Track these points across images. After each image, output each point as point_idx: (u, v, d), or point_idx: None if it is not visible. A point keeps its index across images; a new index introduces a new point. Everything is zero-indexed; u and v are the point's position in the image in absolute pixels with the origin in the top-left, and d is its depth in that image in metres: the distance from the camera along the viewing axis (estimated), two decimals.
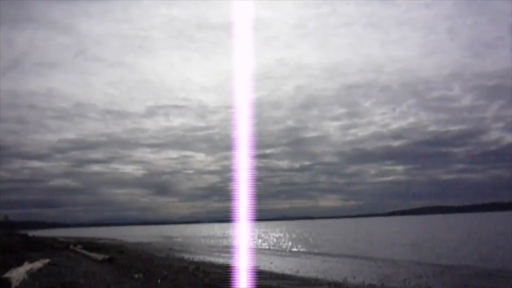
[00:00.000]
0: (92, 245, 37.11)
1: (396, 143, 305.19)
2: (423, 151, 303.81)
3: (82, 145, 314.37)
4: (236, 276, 15.54)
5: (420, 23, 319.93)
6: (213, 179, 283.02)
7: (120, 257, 25.13)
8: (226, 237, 70.27)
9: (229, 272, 18.17)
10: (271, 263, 25.52)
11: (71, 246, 32.24)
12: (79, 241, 44.34)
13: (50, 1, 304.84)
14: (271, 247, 41.29)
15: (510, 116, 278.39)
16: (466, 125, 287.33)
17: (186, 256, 31.32)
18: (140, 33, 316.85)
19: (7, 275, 11.29)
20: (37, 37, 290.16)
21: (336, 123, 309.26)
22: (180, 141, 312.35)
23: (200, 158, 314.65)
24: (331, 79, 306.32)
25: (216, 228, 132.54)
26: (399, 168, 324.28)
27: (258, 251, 36.69)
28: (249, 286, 13.00)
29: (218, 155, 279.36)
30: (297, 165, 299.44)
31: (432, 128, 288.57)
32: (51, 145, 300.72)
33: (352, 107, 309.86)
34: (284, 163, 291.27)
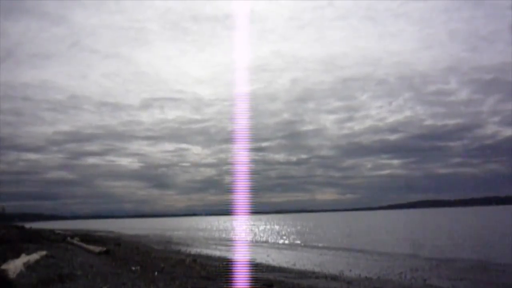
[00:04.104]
0: (89, 237, 37.13)
1: (392, 137, 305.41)
2: (419, 145, 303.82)
3: (78, 137, 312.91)
4: (233, 268, 15.61)
5: (417, 17, 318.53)
6: (210, 172, 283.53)
7: (117, 249, 25.17)
8: (223, 230, 70.47)
9: (226, 264, 18.27)
10: (267, 255, 25.61)
11: (68, 238, 32.25)
12: (76, 233, 44.36)
13: None
14: (268, 240, 41.42)
15: (507, 110, 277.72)
16: (463, 119, 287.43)
17: (183, 248, 31.41)
18: (135, 24, 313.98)
19: (4, 267, 11.29)
20: (31, 28, 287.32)
21: (332, 117, 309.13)
22: (176, 134, 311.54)
23: (196, 151, 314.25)
24: (327, 72, 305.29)
25: (213, 221, 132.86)
26: (396, 162, 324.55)
27: (255, 244, 36.80)
28: (246, 279, 13.05)
29: (214, 148, 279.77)
30: (293, 158, 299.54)
31: (429, 122, 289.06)
32: (46, 137, 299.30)
33: (349, 101, 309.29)
34: (280, 156, 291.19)
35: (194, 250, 29.72)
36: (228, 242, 40.59)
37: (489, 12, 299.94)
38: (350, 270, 18.39)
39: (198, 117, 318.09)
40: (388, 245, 30.66)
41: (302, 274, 17.25)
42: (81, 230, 62.17)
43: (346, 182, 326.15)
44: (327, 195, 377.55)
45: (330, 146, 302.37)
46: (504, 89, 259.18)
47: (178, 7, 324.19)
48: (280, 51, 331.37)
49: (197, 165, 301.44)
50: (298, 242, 38.01)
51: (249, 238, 46.14)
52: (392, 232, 46.52)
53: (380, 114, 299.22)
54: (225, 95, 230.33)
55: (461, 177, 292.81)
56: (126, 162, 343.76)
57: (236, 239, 48.76)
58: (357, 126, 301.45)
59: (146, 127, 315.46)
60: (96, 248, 22.68)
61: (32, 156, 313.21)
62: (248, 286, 12.15)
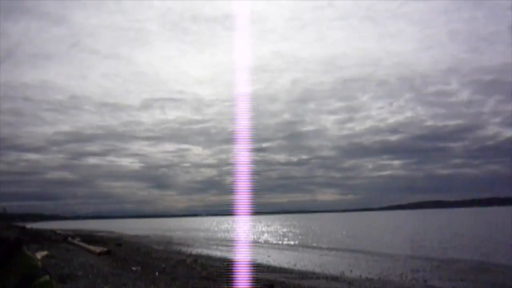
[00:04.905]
0: (90, 237, 37.18)
1: (393, 138, 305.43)
2: (420, 145, 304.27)
3: (78, 137, 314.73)
4: (234, 269, 15.60)
5: (417, 17, 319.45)
6: (210, 172, 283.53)
7: (118, 249, 25.19)
8: (224, 230, 70.46)
9: (227, 265, 18.25)
10: (268, 256, 25.59)
11: (69, 239, 32.29)
12: (77, 234, 44.41)
13: None
14: (269, 241, 41.41)
15: (507, 111, 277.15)
16: (463, 120, 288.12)
17: (184, 249, 31.40)
18: (135, 25, 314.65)
19: None
20: (31, 28, 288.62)
21: (333, 117, 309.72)
22: (176, 134, 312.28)
23: (197, 152, 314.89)
24: (328, 72, 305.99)
25: (213, 222, 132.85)
26: (396, 162, 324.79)
27: (256, 244, 36.78)
28: (247, 279, 13.05)
29: (215, 149, 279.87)
30: (294, 159, 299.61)
31: (429, 122, 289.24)
32: (47, 137, 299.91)
33: (349, 101, 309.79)
34: (281, 157, 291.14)
35: (195, 251, 29.71)
36: (229, 242, 40.57)
37: (489, 13, 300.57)
38: (351, 271, 18.38)
39: (198, 117, 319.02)
40: (389, 246, 30.62)
41: (303, 275, 17.24)
42: (82, 231, 62.19)
43: (347, 183, 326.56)
44: (327, 196, 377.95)
45: (331, 147, 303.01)
46: (504, 90, 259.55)
47: (177, 7, 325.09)
48: (280, 52, 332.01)
49: (197, 165, 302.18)
50: (299, 242, 37.99)
51: (249, 238, 46.12)
52: (393, 233, 46.48)
53: (380, 114, 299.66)
54: (225, 95, 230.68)
55: (462, 178, 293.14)
56: (126, 162, 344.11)
57: (237, 239, 48.76)
58: (357, 127, 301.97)
59: (147, 127, 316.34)
60: (97, 249, 22.70)
61: (32, 156, 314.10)
62: (249, 287, 12.15)
